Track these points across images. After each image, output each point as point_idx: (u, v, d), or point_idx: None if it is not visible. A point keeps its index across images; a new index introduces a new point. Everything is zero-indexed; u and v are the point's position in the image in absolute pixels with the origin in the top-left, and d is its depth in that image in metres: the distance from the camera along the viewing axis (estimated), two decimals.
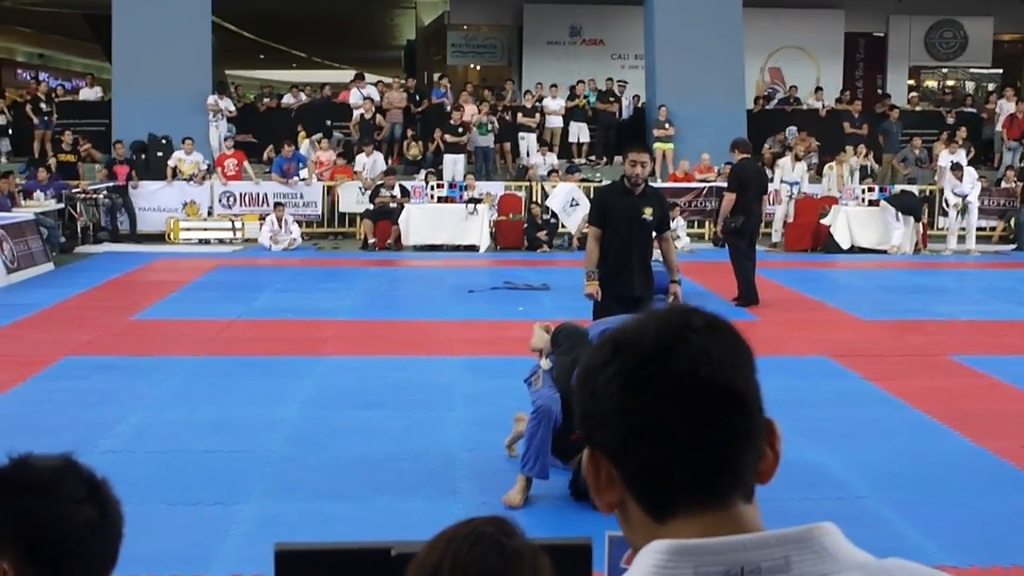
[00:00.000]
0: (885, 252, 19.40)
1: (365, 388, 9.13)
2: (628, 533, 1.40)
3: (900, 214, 19.30)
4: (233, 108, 23.15)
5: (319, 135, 22.08)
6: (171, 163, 20.93)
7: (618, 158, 24.27)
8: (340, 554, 2.41)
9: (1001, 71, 31.94)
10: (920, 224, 19.88)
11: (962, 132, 23.01)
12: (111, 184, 20.24)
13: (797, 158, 21.03)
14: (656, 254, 8.87)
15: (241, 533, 5.94)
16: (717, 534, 1.31)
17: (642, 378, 1.34)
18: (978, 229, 20.33)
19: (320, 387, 9.19)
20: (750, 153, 14.32)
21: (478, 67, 32.08)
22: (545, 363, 6.72)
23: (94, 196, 19.97)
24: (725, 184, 20.76)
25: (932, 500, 6.56)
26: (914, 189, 21.04)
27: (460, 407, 8.55)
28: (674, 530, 1.33)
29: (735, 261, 13.55)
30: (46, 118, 23.06)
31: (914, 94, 28.67)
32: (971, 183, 20.00)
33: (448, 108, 23.12)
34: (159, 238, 20.14)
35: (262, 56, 44.69)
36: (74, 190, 19.76)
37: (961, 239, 19.96)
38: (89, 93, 25.50)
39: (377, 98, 23.47)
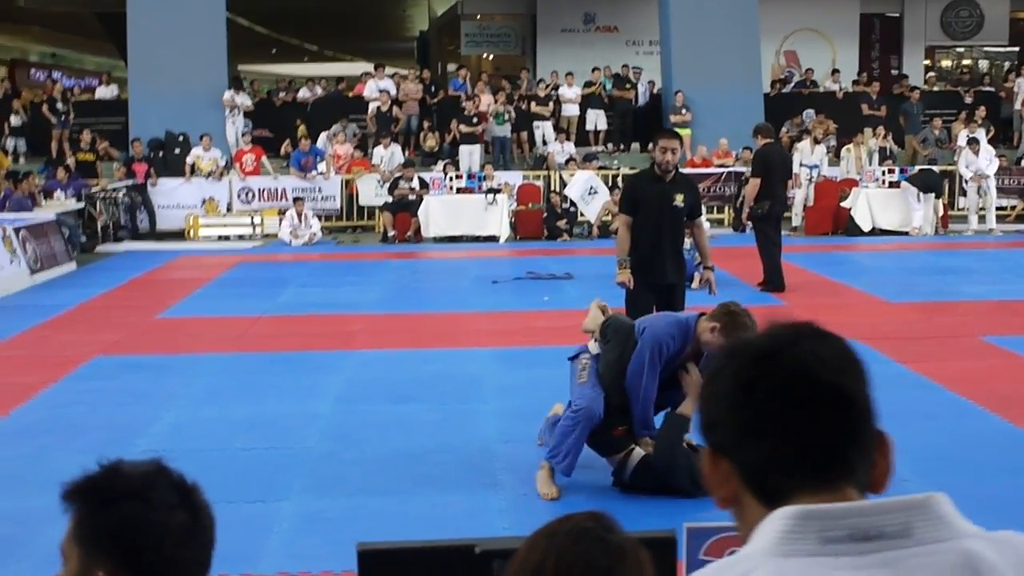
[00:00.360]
0: (906, 233, 19.32)
1: (397, 381, 9.12)
2: (742, 527, 1.46)
3: (921, 194, 19.20)
4: (250, 103, 23.16)
5: (336, 129, 22.02)
6: (189, 160, 20.94)
7: (635, 145, 24.29)
8: (423, 552, 2.39)
9: (1017, 49, 31.75)
10: (940, 203, 19.78)
11: (981, 111, 22.90)
12: (130, 182, 20.27)
13: (816, 141, 20.93)
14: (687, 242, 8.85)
15: (285, 530, 5.93)
16: None
17: (754, 375, 1.42)
18: (998, 208, 20.22)
19: (352, 381, 9.18)
20: (773, 138, 14.26)
21: (491, 56, 32.02)
22: (593, 346, 6.60)
23: (113, 195, 19.98)
24: (743, 169, 20.89)
25: (975, 482, 6.51)
26: (935, 168, 20.93)
27: (493, 399, 8.52)
28: (794, 504, 1.39)
29: (762, 246, 13.50)
30: (63, 117, 23.08)
31: (931, 74, 28.51)
32: (987, 159, 19.88)
33: (464, 99, 23.04)
34: (179, 235, 20.16)
35: (274, 50, 44.67)
36: (93, 189, 19.79)
37: (981, 219, 19.85)
38: (105, 92, 25.52)
39: (393, 90, 23.42)
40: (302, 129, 22.62)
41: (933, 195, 19.43)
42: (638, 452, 6.35)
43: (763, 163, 13.40)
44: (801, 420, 1.40)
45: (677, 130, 22.23)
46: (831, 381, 1.41)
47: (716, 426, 1.46)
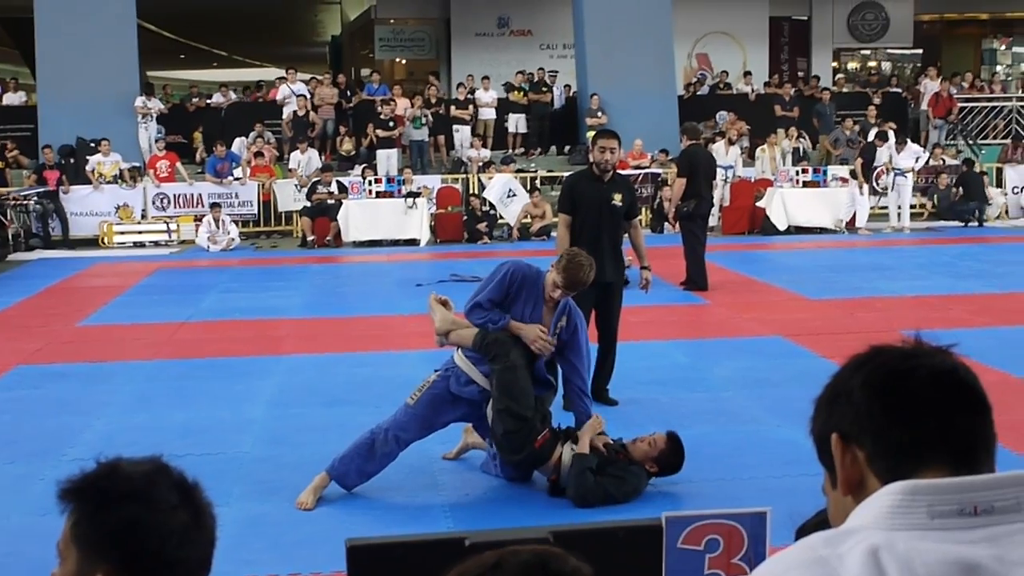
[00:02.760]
0: (822, 232, 19.66)
1: (329, 385, 9.06)
2: (855, 507, 1.48)
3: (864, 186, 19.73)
4: (163, 107, 22.82)
5: (253, 136, 21.84)
6: (89, 168, 20.57)
7: (552, 148, 24.39)
8: (413, 546, 2.38)
9: (921, 51, 32.46)
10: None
11: (871, 111, 23.32)
12: (41, 190, 19.87)
13: (730, 142, 21.22)
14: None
15: (228, 535, 5.77)
16: None
17: (908, 367, 1.48)
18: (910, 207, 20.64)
19: (284, 386, 9.11)
20: (698, 139, 14.45)
21: (405, 61, 31.95)
22: (460, 359, 6.47)
23: (24, 202, 19.58)
24: (659, 170, 21.10)
25: None
26: (845, 170, 21.29)
27: None
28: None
29: (687, 245, 13.63)
30: None
31: (840, 75, 29.02)
32: (911, 156, 20.29)
33: (380, 103, 22.95)
34: (92, 243, 19.82)
35: (182, 56, 44.14)
36: (3, 197, 19.37)
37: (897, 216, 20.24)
38: (13, 98, 24.97)
39: (307, 94, 23.26)
40: (197, 137, 22.47)
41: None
42: (567, 456, 6.32)
43: (689, 163, 13.55)
44: (948, 412, 1.46)
45: (592, 133, 22.62)
46: (974, 385, 1.50)
47: (853, 416, 1.50)
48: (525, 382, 6.26)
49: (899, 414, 1.46)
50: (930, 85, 25.17)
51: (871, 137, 21.49)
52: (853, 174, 20.11)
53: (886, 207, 20.59)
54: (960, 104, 25.11)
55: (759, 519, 2.87)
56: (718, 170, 20.20)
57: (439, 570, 2.32)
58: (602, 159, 8.39)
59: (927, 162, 21.91)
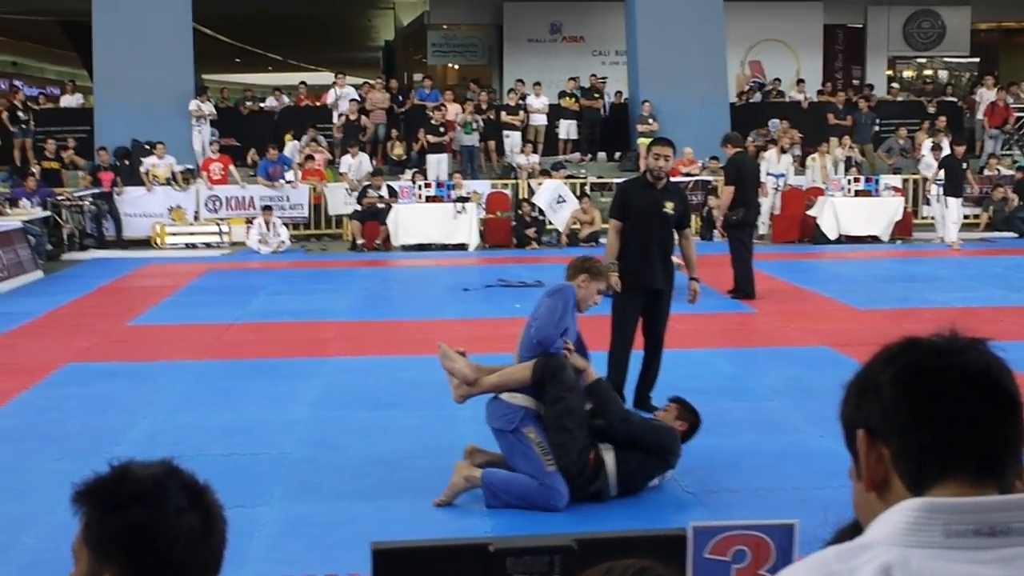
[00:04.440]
0: (873, 241, 19.51)
1: (374, 388, 9.11)
2: (880, 508, 1.48)
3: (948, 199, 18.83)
4: (214, 111, 23.01)
5: (305, 140, 22.00)
6: (143, 170, 20.80)
7: (602, 154, 24.37)
8: (437, 551, 2.40)
9: (978, 60, 32.11)
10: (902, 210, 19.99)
11: (941, 121, 23.11)
12: (96, 191, 20.13)
13: (783, 150, 21.11)
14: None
15: (266, 535, 5.90)
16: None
17: (939, 366, 1.46)
18: (964, 218, 20.38)
19: (328, 388, 9.17)
20: (742, 147, 14.35)
21: (458, 66, 32.05)
22: (524, 400, 6.32)
23: (79, 203, 19.84)
24: (710, 178, 21.02)
25: None
26: (898, 179, 21.09)
27: (471, 404, 8.42)
28: (931, 496, 1.43)
29: (736, 253, 13.57)
30: (23, 126, 22.89)
31: (895, 84, 28.78)
32: None
33: (431, 108, 23.03)
34: (145, 244, 20.05)
35: (238, 60, 44.53)
36: (59, 197, 19.64)
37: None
38: (70, 100, 25.37)
39: (358, 98, 23.40)
40: (289, 137, 22.48)
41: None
42: (609, 464, 6.32)
43: (737, 171, 13.48)
44: (976, 416, 1.44)
45: (643, 140, 22.60)
46: (1006, 386, 1.47)
47: (881, 412, 1.50)
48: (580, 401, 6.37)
49: (926, 415, 1.45)
50: (986, 94, 24.89)
51: (925, 150, 21.29)
52: (905, 183, 19.90)
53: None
54: (1017, 114, 24.80)
55: (787, 531, 2.86)
56: (770, 178, 20.25)
57: (462, 575, 2.33)
58: (656, 166, 8.38)
59: (980, 172, 21.68)
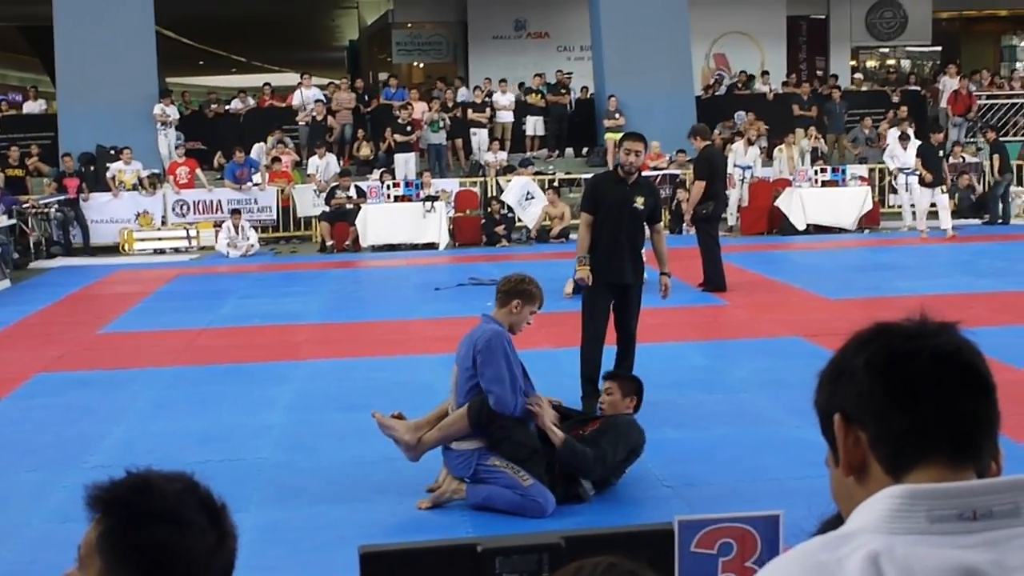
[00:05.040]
0: (841, 231, 19.61)
1: (348, 390, 9.09)
2: (861, 494, 1.49)
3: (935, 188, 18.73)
4: (177, 115, 22.84)
5: (272, 142, 21.92)
6: (109, 175, 20.67)
7: (569, 150, 24.40)
8: (425, 552, 2.39)
9: (940, 49, 32.34)
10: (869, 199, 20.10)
11: (902, 111, 23.25)
12: (62, 197, 19.98)
13: (749, 142, 21.18)
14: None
15: (246, 542, 5.76)
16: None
17: (909, 349, 1.47)
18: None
19: (302, 391, 9.14)
20: (710, 139, 14.29)
21: (423, 65, 32.01)
22: (471, 443, 6.26)
23: (45, 210, 19.70)
24: (677, 171, 21.08)
25: None
26: (863, 168, 21.21)
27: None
28: (909, 482, 1.44)
29: (704, 247, 13.56)
30: None
31: (858, 75, 28.93)
32: (913, 154, 20.17)
33: (398, 107, 22.97)
34: (113, 250, 19.93)
35: (201, 62, 44.33)
36: (24, 205, 19.49)
37: (913, 215, 20.13)
38: (33, 106, 25.16)
39: (323, 99, 23.32)
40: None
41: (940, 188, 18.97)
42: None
43: (708, 165, 13.45)
44: (949, 397, 1.45)
45: (610, 135, 22.66)
46: (978, 367, 1.49)
47: (856, 396, 1.50)
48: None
49: (901, 398, 1.46)
50: (949, 83, 25.06)
51: (891, 139, 21.42)
52: (871, 173, 19.99)
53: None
54: (979, 102, 24.98)
55: (772, 522, 2.87)
56: (736, 170, 20.33)
57: None
58: (627, 161, 8.40)
59: (946, 159, 21.82)
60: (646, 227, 8.65)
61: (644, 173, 20.68)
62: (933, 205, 18.91)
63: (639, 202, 8.39)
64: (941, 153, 19.34)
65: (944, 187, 18.95)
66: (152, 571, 1.73)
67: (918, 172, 18.94)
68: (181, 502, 1.77)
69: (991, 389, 1.48)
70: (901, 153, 19.98)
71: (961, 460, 1.45)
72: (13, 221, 18.84)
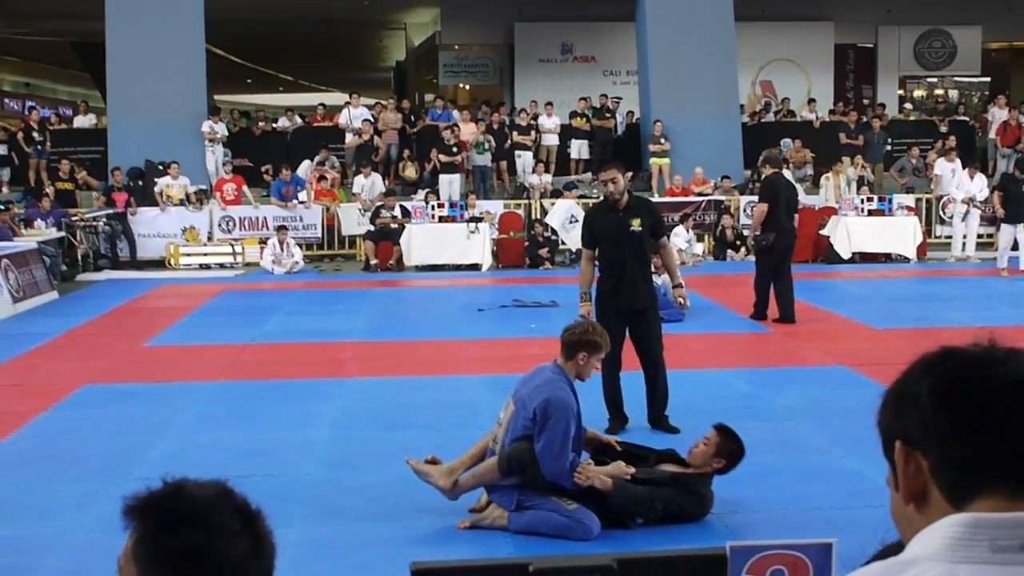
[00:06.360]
0: (887, 260, 19.48)
1: (392, 408, 9.10)
2: (921, 522, 1.47)
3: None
4: (225, 132, 23.04)
5: (319, 159, 22.04)
6: (157, 189, 20.87)
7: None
8: (477, 571, 2.39)
9: (989, 79, 32.12)
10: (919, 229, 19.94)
11: (951, 141, 23.09)
12: (110, 211, 20.19)
13: (796, 167, 21.09)
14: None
15: (289, 557, 5.85)
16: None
17: (977, 377, 1.44)
18: (977, 236, 20.38)
19: (346, 408, 9.16)
20: (780, 168, 13.90)
21: (469, 87, 32.13)
22: (510, 482, 6.27)
23: (93, 224, 19.91)
24: (723, 197, 21.05)
25: None
26: (911, 198, 21.06)
27: (489, 425, 8.41)
28: (971, 511, 1.41)
29: (758, 277, 13.32)
30: (38, 147, 23.00)
31: (907, 104, 28.80)
32: (980, 186, 20.06)
33: (444, 128, 23.06)
34: (159, 264, 20.09)
35: (249, 80, 44.70)
36: (73, 218, 19.71)
37: (963, 246, 20.00)
38: (83, 121, 25.48)
39: (370, 119, 23.45)
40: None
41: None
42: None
43: (771, 190, 13.16)
44: (1015, 427, 1.43)
45: (655, 160, 22.67)
46: None
47: (919, 424, 1.47)
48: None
49: (965, 427, 1.43)
50: (998, 114, 24.87)
51: (938, 169, 21.29)
52: (918, 203, 19.85)
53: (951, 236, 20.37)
54: None
55: (825, 550, 2.85)
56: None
57: None
58: (607, 191, 8.52)
59: (994, 190, 21.68)
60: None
61: (688, 198, 20.85)
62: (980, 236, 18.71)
63: (635, 224, 8.42)
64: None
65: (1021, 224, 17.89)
66: (185, 574, 1.73)
67: (981, 204, 18.72)
68: (213, 507, 1.76)
69: None
70: (967, 182, 19.85)
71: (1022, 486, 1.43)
72: (62, 234, 19.05)
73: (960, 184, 19.92)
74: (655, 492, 6.22)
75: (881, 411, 1.57)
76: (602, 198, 8.92)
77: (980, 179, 20.17)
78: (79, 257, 19.40)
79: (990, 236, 21.43)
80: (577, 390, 6.51)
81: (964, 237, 19.98)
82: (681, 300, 9.08)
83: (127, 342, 12.58)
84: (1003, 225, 17.83)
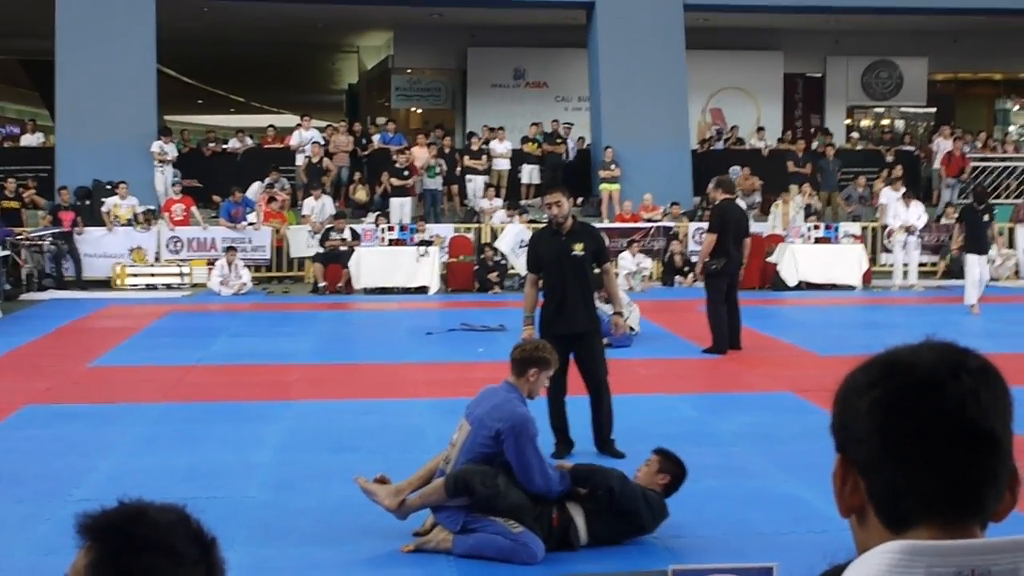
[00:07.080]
0: (833, 288, 19.66)
1: (338, 431, 9.07)
2: (861, 536, 1.48)
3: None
4: (176, 153, 22.88)
5: (269, 181, 21.94)
6: (104, 209, 20.70)
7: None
8: None
9: (935, 110, 32.59)
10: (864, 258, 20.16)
11: (898, 170, 23.38)
12: (56, 230, 19.97)
13: (744, 195, 21.26)
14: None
15: None
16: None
17: (911, 404, 1.42)
18: (920, 265, 20.63)
19: (292, 431, 9.11)
20: (733, 194, 13.77)
21: (421, 111, 32.16)
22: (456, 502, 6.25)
23: (39, 243, 19.69)
24: (671, 224, 21.16)
25: None
26: (857, 226, 21.30)
27: (435, 449, 8.37)
28: (908, 538, 1.40)
29: (710, 305, 13.11)
30: None
31: (854, 133, 29.15)
32: (917, 213, 20.29)
33: (395, 152, 23.05)
34: (105, 284, 19.89)
35: (200, 101, 44.48)
36: (18, 237, 19.48)
37: (904, 274, 20.23)
38: (31, 139, 25.23)
39: (321, 141, 23.41)
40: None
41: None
42: (579, 522, 6.30)
43: (721, 218, 12.96)
44: (948, 458, 1.41)
45: (606, 186, 22.77)
46: (983, 426, 1.42)
47: (856, 441, 1.46)
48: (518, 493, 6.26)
49: (896, 453, 1.42)
50: (943, 144, 25.21)
51: (883, 199, 21.53)
52: (864, 231, 20.06)
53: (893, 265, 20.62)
54: (973, 163, 25.14)
55: (765, 574, 2.87)
56: None
57: None
58: (551, 215, 8.57)
59: (938, 220, 22.02)
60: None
61: (637, 224, 20.94)
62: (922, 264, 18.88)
63: (578, 248, 8.45)
64: (987, 218, 17.04)
65: (985, 255, 17.14)
66: None
67: (921, 232, 18.94)
68: (174, 532, 1.76)
69: (997, 445, 1.43)
70: (904, 211, 20.08)
71: (961, 517, 1.42)
72: (7, 253, 18.82)
73: (897, 214, 20.14)
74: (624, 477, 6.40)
75: (832, 412, 1.53)
76: (547, 222, 8.95)
77: (916, 207, 20.38)
78: (23, 276, 19.17)
79: (933, 264, 21.75)
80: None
81: (905, 265, 20.20)
82: (615, 330, 9.11)
83: (71, 362, 12.45)
84: (967, 257, 16.80)
